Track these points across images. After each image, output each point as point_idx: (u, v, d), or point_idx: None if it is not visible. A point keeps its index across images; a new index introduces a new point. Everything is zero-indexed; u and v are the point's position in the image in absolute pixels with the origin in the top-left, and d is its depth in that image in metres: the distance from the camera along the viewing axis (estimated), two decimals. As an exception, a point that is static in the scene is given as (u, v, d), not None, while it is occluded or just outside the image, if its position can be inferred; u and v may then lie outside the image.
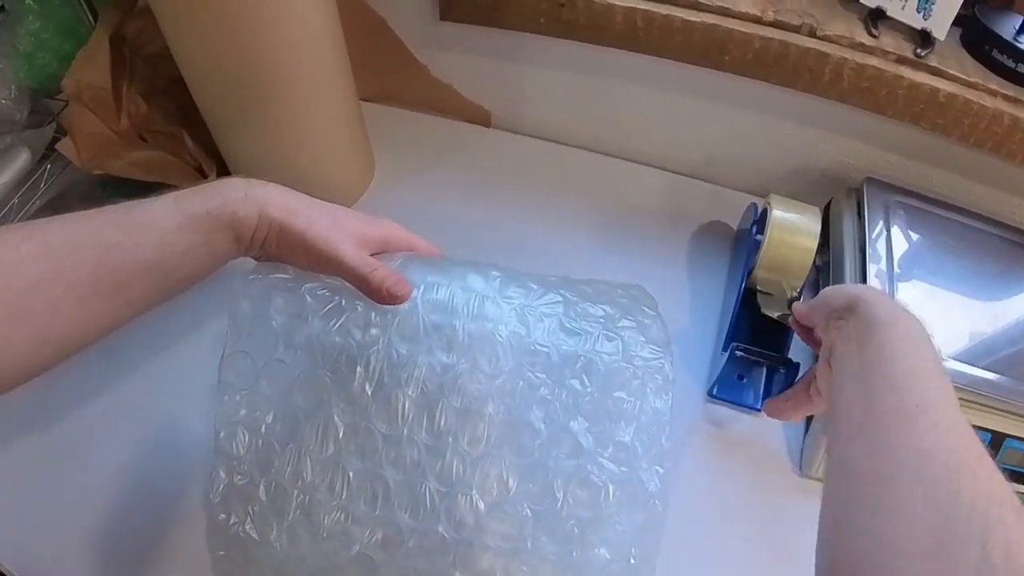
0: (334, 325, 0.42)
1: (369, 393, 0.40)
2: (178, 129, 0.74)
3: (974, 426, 0.52)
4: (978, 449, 0.29)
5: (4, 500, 0.55)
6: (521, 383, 0.41)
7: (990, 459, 0.29)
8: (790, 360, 0.58)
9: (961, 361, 0.53)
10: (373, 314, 0.42)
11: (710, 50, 0.64)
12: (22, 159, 0.73)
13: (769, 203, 0.62)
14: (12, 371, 0.35)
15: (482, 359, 0.41)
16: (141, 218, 0.38)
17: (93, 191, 0.80)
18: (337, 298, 0.43)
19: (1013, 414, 0.53)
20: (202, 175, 0.73)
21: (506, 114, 0.84)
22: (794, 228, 0.61)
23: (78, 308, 0.36)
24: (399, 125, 0.84)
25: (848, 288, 0.41)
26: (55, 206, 0.77)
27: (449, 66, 0.82)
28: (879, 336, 0.35)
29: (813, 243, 0.60)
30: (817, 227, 0.61)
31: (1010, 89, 0.61)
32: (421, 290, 0.42)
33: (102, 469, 0.56)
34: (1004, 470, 0.53)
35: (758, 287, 0.61)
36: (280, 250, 0.42)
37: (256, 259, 0.43)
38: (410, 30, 0.79)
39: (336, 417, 0.41)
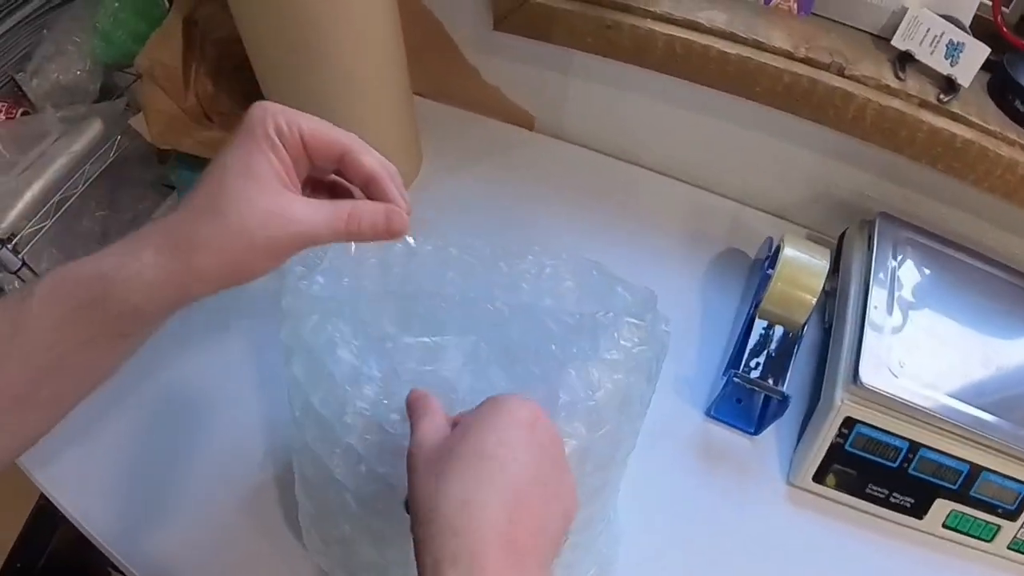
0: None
1: None
2: (243, 111, 0.79)
3: (955, 457, 0.57)
4: None
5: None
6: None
7: None
8: (784, 393, 0.60)
9: (947, 395, 0.56)
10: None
11: (742, 80, 0.67)
12: (95, 129, 0.74)
13: (783, 241, 0.65)
14: None
15: None
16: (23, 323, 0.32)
17: (152, 163, 0.85)
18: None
19: (990, 448, 0.56)
20: (263, 155, 0.79)
21: (548, 119, 0.88)
22: (803, 268, 0.63)
23: None
24: (448, 121, 0.89)
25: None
26: (120, 176, 0.80)
27: (498, 71, 0.86)
28: None
29: (819, 284, 0.62)
30: (824, 269, 0.63)
31: (1028, 139, 0.64)
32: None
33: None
34: (978, 500, 0.57)
35: (762, 319, 0.64)
36: (234, 277, 0.35)
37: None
38: (465, 35, 0.84)
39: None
